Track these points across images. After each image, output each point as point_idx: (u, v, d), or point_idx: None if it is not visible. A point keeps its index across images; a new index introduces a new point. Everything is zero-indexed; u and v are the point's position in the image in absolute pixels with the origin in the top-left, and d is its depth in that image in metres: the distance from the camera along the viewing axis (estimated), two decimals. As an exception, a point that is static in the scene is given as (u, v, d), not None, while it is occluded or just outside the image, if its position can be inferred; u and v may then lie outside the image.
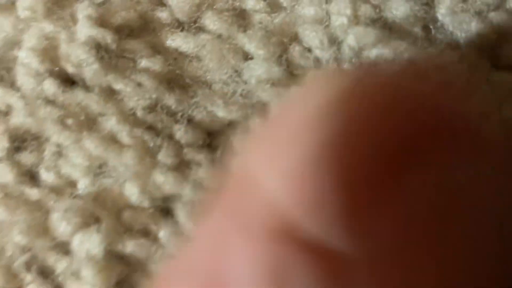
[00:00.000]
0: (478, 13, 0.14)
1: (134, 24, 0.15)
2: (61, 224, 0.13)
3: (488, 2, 0.14)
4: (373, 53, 0.14)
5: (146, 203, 0.13)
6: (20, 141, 0.15)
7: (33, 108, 0.14)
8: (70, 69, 0.14)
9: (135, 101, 0.14)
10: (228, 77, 0.14)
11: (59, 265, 0.13)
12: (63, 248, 0.13)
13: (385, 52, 0.14)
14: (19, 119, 0.14)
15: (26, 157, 0.14)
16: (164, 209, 0.14)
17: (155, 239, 0.13)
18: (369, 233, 0.07)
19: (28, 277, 0.13)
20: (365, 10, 0.14)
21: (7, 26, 0.15)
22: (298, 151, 0.08)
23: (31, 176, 0.14)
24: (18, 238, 0.14)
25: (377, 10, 0.14)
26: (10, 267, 0.13)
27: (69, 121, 0.14)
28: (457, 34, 0.14)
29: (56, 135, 0.14)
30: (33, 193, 0.14)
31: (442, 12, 0.14)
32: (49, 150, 0.14)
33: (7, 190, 0.14)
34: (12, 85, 0.15)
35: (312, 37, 0.14)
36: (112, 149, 0.13)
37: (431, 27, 0.14)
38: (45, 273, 0.13)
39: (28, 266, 0.13)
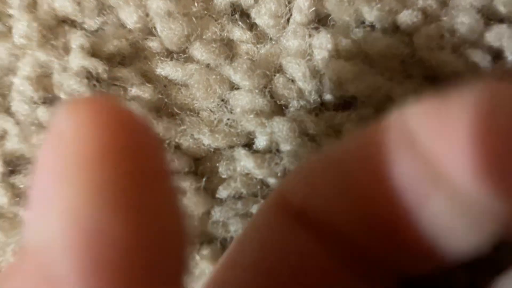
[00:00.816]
0: (455, 50, 0.14)
1: (126, 52, 0.15)
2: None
3: (465, 39, 0.14)
4: (352, 86, 0.14)
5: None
6: (15, 165, 0.15)
7: (27, 134, 0.15)
8: (63, 96, 0.15)
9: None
10: (214, 105, 0.15)
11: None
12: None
13: (363, 85, 0.14)
14: (13, 144, 0.15)
15: (20, 180, 0.15)
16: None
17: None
18: None
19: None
20: (346, 45, 0.14)
21: (3, 53, 0.15)
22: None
23: (25, 198, 0.15)
24: (12, 258, 0.15)
25: (357, 45, 0.14)
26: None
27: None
28: (435, 68, 0.14)
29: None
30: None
31: (420, 47, 0.14)
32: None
33: (2, 211, 0.15)
34: (7, 110, 0.15)
35: (295, 69, 0.15)
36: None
37: (410, 61, 0.14)
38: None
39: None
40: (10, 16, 0.16)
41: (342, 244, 0.10)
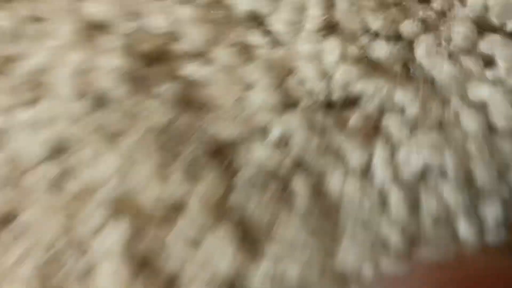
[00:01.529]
0: (451, 56, 0.16)
1: (153, 54, 0.17)
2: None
3: (460, 47, 0.16)
4: (357, 87, 0.16)
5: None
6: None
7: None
8: (100, 93, 0.16)
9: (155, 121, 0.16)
10: (232, 103, 0.17)
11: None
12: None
13: (367, 87, 0.16)
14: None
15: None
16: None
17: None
18: None
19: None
20: (352, 50, 0.16)
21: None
22: None
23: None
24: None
25: (362, 51, 0.16)
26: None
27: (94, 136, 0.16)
28: (432, 73, 0.16)
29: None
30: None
31: (419, 53, 0.16)
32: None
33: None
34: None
35: (306, 71, 0.16)
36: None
37: (410, 66, 0.16)
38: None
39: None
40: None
41: None
